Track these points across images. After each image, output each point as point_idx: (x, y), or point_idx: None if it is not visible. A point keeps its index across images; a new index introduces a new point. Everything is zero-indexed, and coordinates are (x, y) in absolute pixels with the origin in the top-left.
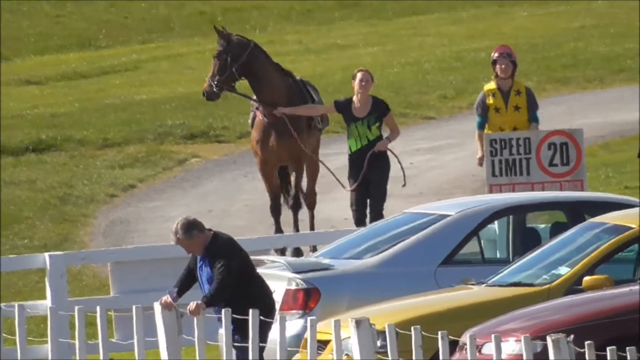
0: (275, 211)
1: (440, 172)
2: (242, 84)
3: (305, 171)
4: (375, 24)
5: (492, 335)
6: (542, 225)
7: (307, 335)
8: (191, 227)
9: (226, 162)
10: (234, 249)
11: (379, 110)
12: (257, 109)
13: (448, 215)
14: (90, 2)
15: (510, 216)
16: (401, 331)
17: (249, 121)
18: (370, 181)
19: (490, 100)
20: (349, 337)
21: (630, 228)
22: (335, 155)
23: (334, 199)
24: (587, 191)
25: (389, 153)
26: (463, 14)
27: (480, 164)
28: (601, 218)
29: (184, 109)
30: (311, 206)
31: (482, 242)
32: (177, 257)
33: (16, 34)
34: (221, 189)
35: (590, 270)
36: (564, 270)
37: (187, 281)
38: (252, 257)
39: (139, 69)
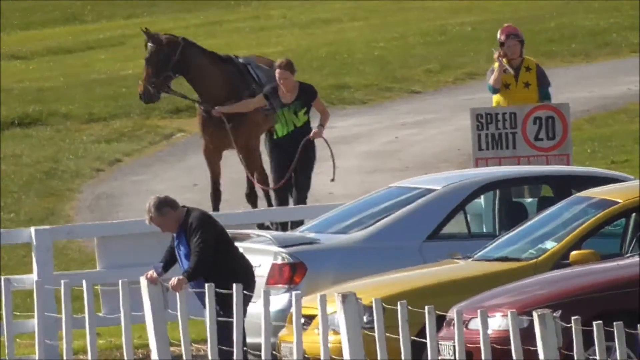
0: (215, 198)
1: (425, 146)
2: (178, 82)
3: (247, 159)
4: None
5: (479, 311)
6: (529, 200)
7: (293, 310)
8: (163, 205)
9: None
10: (208, 222)
11: (306, 95)
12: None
13: (434, 190)
14: None
15: (497, 190)
16: (387, 306)
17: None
18: (295, 169)
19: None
20: (335, 312)
21: (617, 202)
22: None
23: (317, 173)
24: (573, 165)
25: (319, 141)
26: None
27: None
28: (587, 192)
29: None
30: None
31: (468, 216)
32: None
33: (1, 9)
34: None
35: (577, 244)
36: (550, 245)
37: (171, 257)
38: (237, 231)
39: (124, 44)
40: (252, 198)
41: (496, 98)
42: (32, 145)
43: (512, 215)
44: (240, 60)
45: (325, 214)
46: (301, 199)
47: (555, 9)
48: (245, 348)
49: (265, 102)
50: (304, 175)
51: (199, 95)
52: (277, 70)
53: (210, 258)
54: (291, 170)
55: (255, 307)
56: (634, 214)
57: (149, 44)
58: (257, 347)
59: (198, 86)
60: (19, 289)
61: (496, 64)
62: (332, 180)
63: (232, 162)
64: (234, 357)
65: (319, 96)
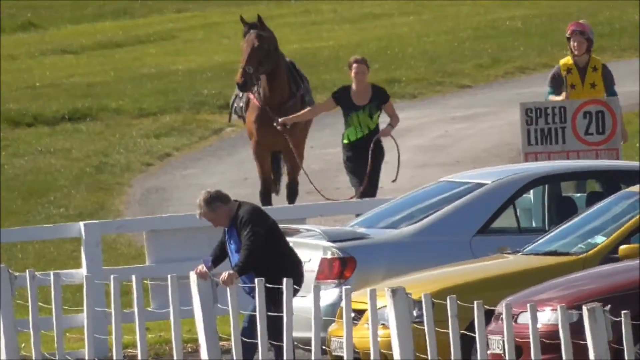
0: (266, 197)
1: (476, 141)
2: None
3: (295, 160)
4: None
5: (528, 305)
6: (578, 194)
7: (343, 304)
8: (214, 200)
9: None
10: (259, 216)
11: (380, 98)
12: (251, 92)
13: (484, 184)
14: None
15: (546, 185)
16: (437, 301)
17: (237, 103)
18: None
19: (565, 76)
20: (385, 307)
21: None
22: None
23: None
24: (622, 160)
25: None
26: None
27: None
28: (636, 187)
29: (220, 78)
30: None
31: (517, 211)
32: (212, 226)
33: (51, 3)
34: None
35: (626, 239)
36: (599, 239)
37: (221, 252)
38: (286, 226)
39: (174, 38)
40: (267, 197)
41: (562, 98)
42: (82, 140)
43: (561, 210)
44: (288, 60)
45: (375, 208)
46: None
47: (605, 3)
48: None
49: (334, 106)
50: (373, 175)
51: (267, 93)
52: (355, 65)
53: (261, 252)
54: (369, 173)
55: (306, 302)
56: None
57: (256, 32)
58: (307, 341)
59: (274, 87)
60: (68, 283)
61: (561, 97)
62: (394, 180)
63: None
64: (284, 352)
65: (390, 99)
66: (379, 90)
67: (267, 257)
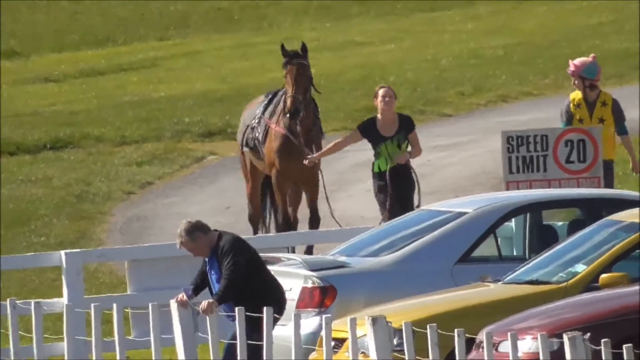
0: (287, 228)
1: (457, 169)
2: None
3: (309, 193)
4: (392, 20)
5: (509, 333)
6: (559, 223)
7: (323, 333)
8: (194, 229)
9: None
10: (240, 246)
11: (407, 127)
12: (270, 118)
13: (465, 213)
14: None
15: (527, 213)
16: (417, 329)
17: (250, 134)
18: (398, 199)
19: (574, 110)
20: (365, 335)
21: None
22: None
23: (350, 196)
24: (603, 188)
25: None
26: (481, 9)
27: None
28: (618, 215)
29: (202, 106)
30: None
31: (499, 239)
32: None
33: (33, 31)
34: (238, 186)
35: (608, 267)
36: (580, 268)
37: (202, 281)
38: (268, 255)
39: (156, 66)
40: (291, 227)
41: None
42: (64, 168)
43: (542, 239)
44: None
45: (356, 237)
46: None
47: (587, 31)
48: None
49: (359, 139)
50: (407, 202)
51: (301, 124)
52: (381, 90)
53: (241, 281)
54: (392, 202)
55: (286, 330)
56: None
57: (299, 61)
58: None
59: (305, 116)
60: (49, 312)
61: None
62: (418, 206)
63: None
64: None
65: (415, 128)
66: (406, 119)
67: (249, 286)
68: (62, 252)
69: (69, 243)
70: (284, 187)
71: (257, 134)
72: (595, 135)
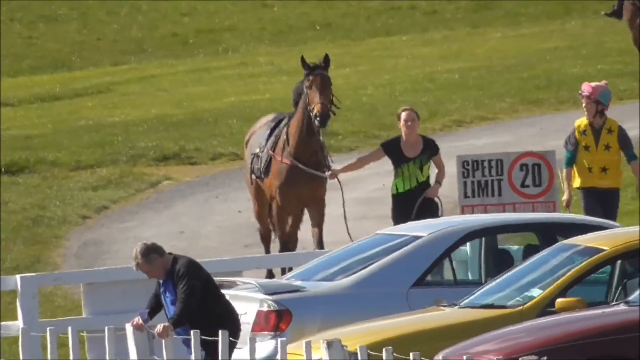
0: (284, 250)
1: None
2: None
3: (317, 215)
4: (347, 44)
5: (465, 357)
6: (515, 247)
7: (278, 356)
8: (150, 251)
9: (198, 184)
10: (195, 269)
11: (431, 149)
12: (273, 150)
13: (420, 237)
14: (63, 24)
15: (483, 237)
16: (373, 353)
17: (256, 164)
18: None
19: (579, 137)
20: (321, 359)
21: (603, 250)
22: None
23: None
24: (559, 213)
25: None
26: (436, 35)
27: (567, 206)
28: (573, 240)
29: (157, 130)
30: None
31: (454, 263)
32: (148, 278)
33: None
34: (193, 211)
35: (563, 292)
36: (536, 292)
37: (156, 304)
38: (223, 279)
39: (111, 91)
40: (288, 248)
41: (579, 156)
42: (19, 192)
43: (497, 263)
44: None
45: (311, 261)
46: None
47: (543, 55)
48: None
49: (382, 156)
50: None
51: (303, 141)
52: (403, 113)
53: (196, 305)
54: None
55: (241, 354)
56: (619, 262)
57: (321, 72)
58: None
59: (308, 133)
60: (5, 335)
61: (565, 196)
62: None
63: (219, 210)
64: None
65: (440, 151)
66: (429, 142)
67: (204, 309)
68: (18, 276)
69: (24, 267)
70: (284, 219)
71: (260, 165)
72: (550, 159)
